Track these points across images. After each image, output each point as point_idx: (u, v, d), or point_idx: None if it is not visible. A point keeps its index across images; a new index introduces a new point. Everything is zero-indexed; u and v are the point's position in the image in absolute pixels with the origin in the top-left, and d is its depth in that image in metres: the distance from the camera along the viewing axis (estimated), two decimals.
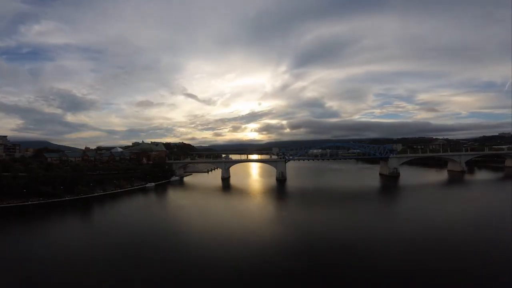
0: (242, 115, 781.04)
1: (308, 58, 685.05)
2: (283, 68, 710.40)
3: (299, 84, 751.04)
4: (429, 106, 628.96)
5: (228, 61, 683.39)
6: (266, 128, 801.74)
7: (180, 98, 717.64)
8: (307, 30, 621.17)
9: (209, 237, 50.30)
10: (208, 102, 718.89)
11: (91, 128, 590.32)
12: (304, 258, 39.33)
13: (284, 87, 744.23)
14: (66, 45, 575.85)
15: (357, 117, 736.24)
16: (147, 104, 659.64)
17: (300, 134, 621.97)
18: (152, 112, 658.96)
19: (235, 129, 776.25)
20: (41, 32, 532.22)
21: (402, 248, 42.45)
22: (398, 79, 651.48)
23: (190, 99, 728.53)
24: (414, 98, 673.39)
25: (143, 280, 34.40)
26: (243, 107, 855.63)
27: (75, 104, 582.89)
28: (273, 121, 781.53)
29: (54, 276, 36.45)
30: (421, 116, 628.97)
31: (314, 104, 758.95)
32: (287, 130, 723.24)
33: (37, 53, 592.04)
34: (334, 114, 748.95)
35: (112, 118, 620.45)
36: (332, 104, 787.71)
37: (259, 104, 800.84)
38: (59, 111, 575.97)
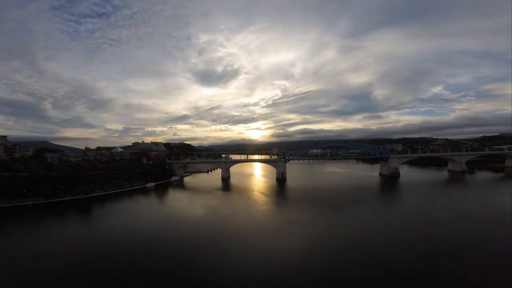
0: (253, 110, 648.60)
1: (374, 20, 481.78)
2: (328, 37, 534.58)
3: (345, 63, 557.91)
4: (484, 100, 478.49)
5: (260, 22, 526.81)
6: (278, 127, 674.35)
7: (183, 78, 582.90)
8: None
9: (209, 239, 50.12)
10: (220, 86, 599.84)
11: (81, 124, 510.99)
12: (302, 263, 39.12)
13: (320, 68, 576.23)
14: None
15: (385, 114, 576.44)
16: (141, 91, 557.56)
17: (311, 134, 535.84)
18: (149, 102, 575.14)
19: (241, 126, 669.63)
20: None
21: (406, 249, 42.28)
22: (478, 61, 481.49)
23: (195, 86, 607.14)
24: (472, 90, 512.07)
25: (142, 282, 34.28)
26: (258, 97, 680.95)
27: (51, 90, 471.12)
28: (291, 116, 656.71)
29: (53, 277, 36.34)
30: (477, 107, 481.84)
31: (359, 94, 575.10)
32: (305, 126, 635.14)
33: None
34: (370, 107, 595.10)
35: (102, 112, 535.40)
36: (379, 93, 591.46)
37: (282, 90, 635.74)
38: (31, 99, 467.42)
